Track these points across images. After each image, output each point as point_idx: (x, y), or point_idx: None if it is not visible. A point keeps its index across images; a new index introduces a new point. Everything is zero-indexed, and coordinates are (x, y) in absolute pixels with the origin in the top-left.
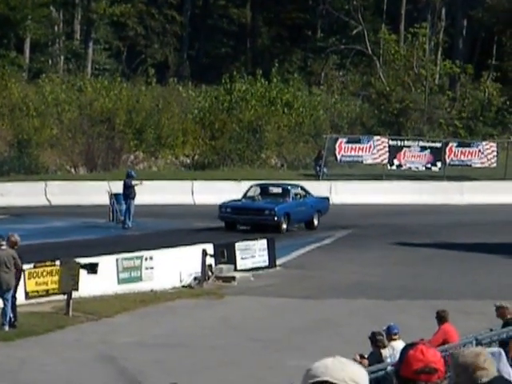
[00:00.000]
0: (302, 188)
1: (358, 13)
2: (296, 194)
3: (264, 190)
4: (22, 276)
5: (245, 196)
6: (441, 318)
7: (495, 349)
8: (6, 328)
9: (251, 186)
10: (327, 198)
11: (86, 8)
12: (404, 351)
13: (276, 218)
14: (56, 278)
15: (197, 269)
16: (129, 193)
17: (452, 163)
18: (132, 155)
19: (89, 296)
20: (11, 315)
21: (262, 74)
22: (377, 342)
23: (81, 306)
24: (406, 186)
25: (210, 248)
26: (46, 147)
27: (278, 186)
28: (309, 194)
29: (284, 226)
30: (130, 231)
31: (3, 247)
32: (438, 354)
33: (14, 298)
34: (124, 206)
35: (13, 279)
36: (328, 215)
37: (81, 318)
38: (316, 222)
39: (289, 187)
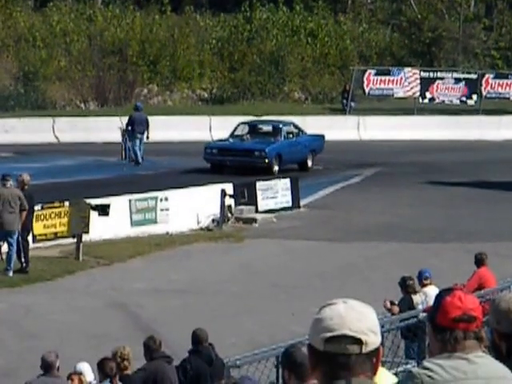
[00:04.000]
0: (295, 125)
1: None
2: (288, 133)
3: (253, 128)
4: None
5: (232, 135)
6: (478, 260)
7: None
8: (11, 273)
9: (239, 124)
10: (322, 136)
11: None
12: (440, 297)
13: (267, 160)
14: (65, 220)
15: (215, 210)
16: (141, 128)
17: (489, 96)
18: (145, 89)
19: (100, 239)
20: (23, 260)
21: (284, 1)
22: (407, 287)
23: (91, 250)
24: (439, 120)
25: (229, 188)
26: (53, 80)
27: (268, 123)
28: (302, 131)
29: (275, 167)
30: (143, 169)
31: (8, 185)
32: (476, 301)
33: (25, 241)
34: (136, 142)
35: (17, 221)
36: (356, 152)
37: (91, 263)
38: (310, 162)
39: (280, 125)
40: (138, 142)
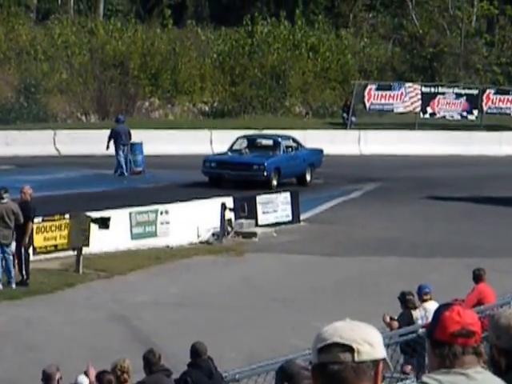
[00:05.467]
0: (294, 139)
1: None
2: (287, 147)
3: (252, 142)
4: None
5: (231, 149)
6: (476, 276)
7: None
8: (13, 285)
9: (238, 138)
10: (321, 151)
11: None
12: (438, 312)
13: (266, 174)
14: (65, 232)
15: (215, 224)
16: (124, 140)
17: (490, 111)
18: (147, 102)
19: (100, 252)
20: (23, 273)
21: (286, 15)
22: (407, 302)
23: (92, 263)
24: (440, 135)
25: (229, 201)
26: (55, 93)
27: (267, 137)
28: (301, 145)
29: (274, 181)
30: (143, 183)
31: (4, 201)
32: (475, 316)
33: (26, 253)
34: (119, 154)
35: (12, 235)
36: (356, 167)
37: (91, 276)
38: (308, 177)
39: (279, 139)
40: (120, 153)
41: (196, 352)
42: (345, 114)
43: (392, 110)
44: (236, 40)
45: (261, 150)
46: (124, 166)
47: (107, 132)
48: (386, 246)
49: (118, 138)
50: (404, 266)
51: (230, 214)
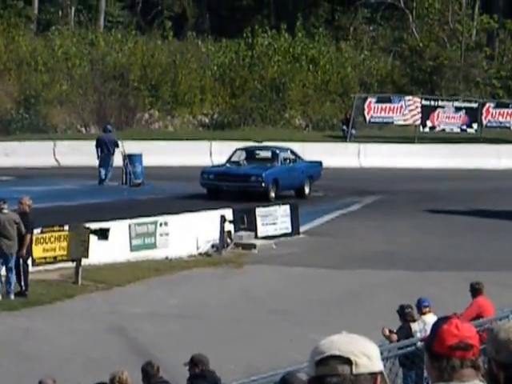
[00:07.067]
0: (292, 152)
1: None
2: (285, 159)
3: (250, 153)
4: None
5: (229, 160)
6: (475, 290)
7: None
8: (12, 296)
9: (236, 150)
10: (320, 163)
11: None
12: (436, 325)
13: (263, 185)
14: (64, 243)
15: (215, 236)
16: (106, 150)
17: (489, 125)
18: (147, 114)
19: (99, 263)
20: (22, 284)
21: (286, 28)
22: (405, 315)
23: (91, 274)
24: (440, 149)
25: (229, 213)
26: (55, 104)
27: (265, 149)
28: (299, 158)
29: (272, 193)
30: (143, 194)
31: (4, 211)
32: (473, 329)
33: (25, 264)
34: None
35: (15, 245)
36: (356, 179)
37: (90, 287)
38: (307, 189)
39: (277, 151)
40: (103, 162)
41: (201, 362)
42: (345, 127)
43: (392, 123)
44: (236, 52)
45: (259, 162)
46: (103, 177)
47: None
48: (385, 258)
49: (103, 147)
50: (403, 280)
51: (229, 226)
